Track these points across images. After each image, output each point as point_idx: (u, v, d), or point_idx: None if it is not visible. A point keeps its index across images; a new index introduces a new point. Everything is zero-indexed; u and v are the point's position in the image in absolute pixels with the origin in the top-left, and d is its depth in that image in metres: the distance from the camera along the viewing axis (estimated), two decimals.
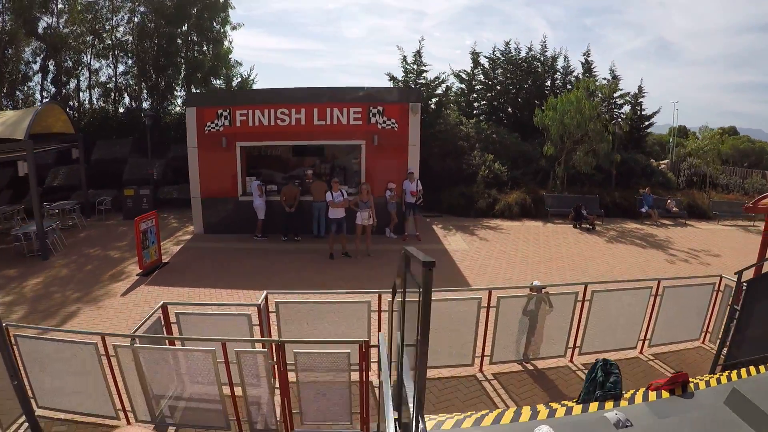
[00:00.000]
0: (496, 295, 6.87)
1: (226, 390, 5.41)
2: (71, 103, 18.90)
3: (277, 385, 5.59)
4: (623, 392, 4.89)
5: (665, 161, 21.21)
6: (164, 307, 6.35)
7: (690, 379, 4.59)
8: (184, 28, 18.76)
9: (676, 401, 4.29)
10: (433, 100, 17.92)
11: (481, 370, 6.96)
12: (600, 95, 16.40)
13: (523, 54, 20.32)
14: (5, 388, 5.19)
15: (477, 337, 6.80)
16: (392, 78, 18.17)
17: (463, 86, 20.46)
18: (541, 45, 20.46)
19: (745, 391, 3.88)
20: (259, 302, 6.40)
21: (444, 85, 18.39)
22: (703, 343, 7.76)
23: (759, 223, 17.48)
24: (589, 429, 3.84)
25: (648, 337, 7.41)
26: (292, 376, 5.41)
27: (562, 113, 15.67)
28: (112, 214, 16.22)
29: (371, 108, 13.30)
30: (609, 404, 4.42)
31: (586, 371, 6.64)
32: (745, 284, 6.59)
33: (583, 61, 20.32)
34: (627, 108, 20.31)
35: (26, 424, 5.46)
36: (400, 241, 13.33)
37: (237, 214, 13.87)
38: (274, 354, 5.38)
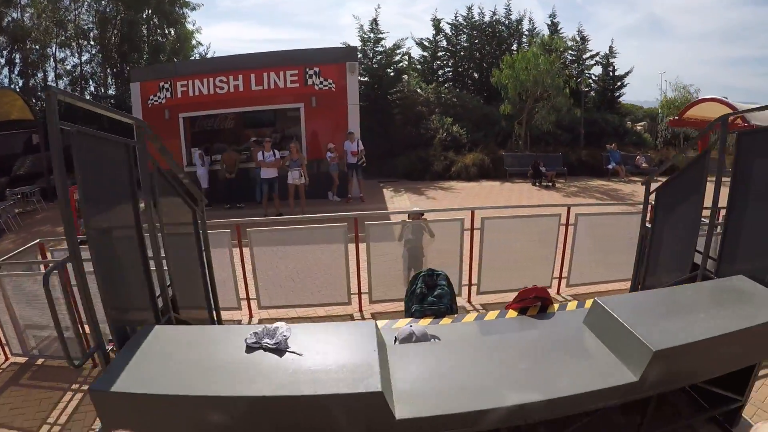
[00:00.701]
0: (365, 222, 6.42)
1: None
2: (40, 94, 19.34)
3: None
4: (455, 308, 4.34)
5: (642, 123, 20.36)
6: (41, 245, 6.10)
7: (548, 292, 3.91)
8: (146, 13, 19.04)
9: (524, 321, 3.66)
10: (392, 67, 17.64)
11: (360, 310, 6.48)
12: (560, 50, 15.81)
13: (487, 18, 19.94)
14: None
15: (349, 275, 6.33)
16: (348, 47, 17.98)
17: (426, 54, 20.17)
18: (506, 8, 20.06)
19: (607, 305, 2.75)
20: None
21: (404, 54, 18.15)
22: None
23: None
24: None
25: (564, 275, 6.66)
26: None
27: (519, 70, 15.21)
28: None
29: (307, 69, 13.19)
30: (425, 321, 3.73)
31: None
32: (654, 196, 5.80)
33: (549, 23, 19.81)
34: (598, 69, 19.68)
35: None
36: (344, 203, 13.11)
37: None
38: None
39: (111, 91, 19.72)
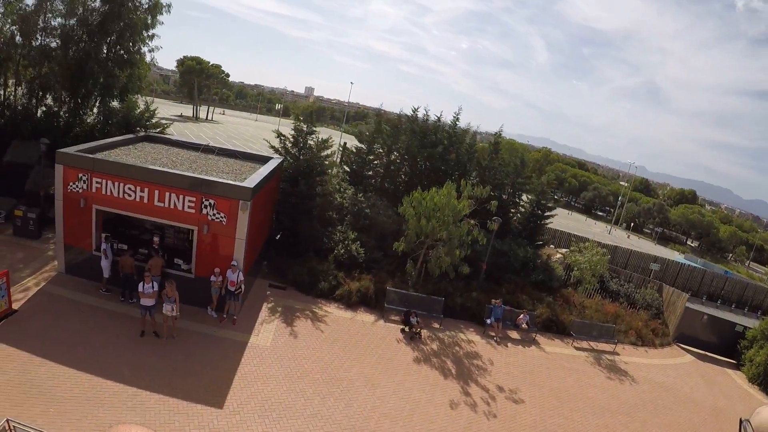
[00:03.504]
0: None
1: None
2: None
3: None
4: None
5: (563, 250, 21.32)
6: (7, 422, 8.73)
7: None
8: (106, 42, 20.24)
9: None
10: (318, 164, 18.85)
11: None
12: (470, 200, 16.75)
13: (431, 120, 20.46)
14: None
15: None
16: (279, 135, 19.16)
17: (363, 146, 21.08)
18: (454, 116, 20.50)
19: None
20: None
21: (335, 151, 19.21)
22: None
23: (624, 347, 18.25)
24: None
25: None
26: None
27: (425, 211, 16.51)
28: (6, 225, 19.10)
29: (204, 199, 15.02)
30: None
31: None
32: None
33: (492, 141, 20.29)
34: (531, 196, 20.44)
35: None
36: (217, 321, 15.55)
37: (91, 264, 16.38)
38: None
39: (64, 109, 21.43)
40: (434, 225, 16.26)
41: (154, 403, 11.89)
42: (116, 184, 15.44)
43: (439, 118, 20.40)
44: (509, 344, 17.21)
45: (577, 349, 17.66)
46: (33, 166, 20.23)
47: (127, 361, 13.14)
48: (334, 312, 17.19)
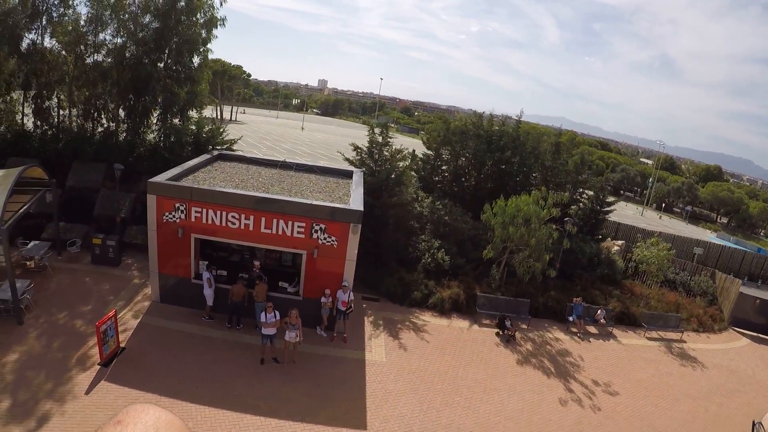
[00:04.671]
0: None
1: None
2: (51, 120, 20.24)
3: None
4: None
5: (620, 242, 22.31)
6: None
7: None
8: (163, 59, 19.44)
9: None
10: (393, 176, 18.89)
11: None
12: (551, 208, 17.19)
13: (496, 128, 20.80)
14: None
15: None
16: (356, 148, 19.06)
17: (431, 152, 21.25)
18: (516, 120, 20.80)
19: None
20: None
21: (407, 158, 19.31)
22: None
23: (689, 334, 19.33)
24: None
25: None
26: None
27: (510, 218, 16.92)
28: (82, 255, 18.43)
29: (314, 224, 14.90)
30: None
31: None
32: None
33: (554, 143, 20.83)
34: (590, 192, 21.16)
35: None
36: (328, 340, 15.67)
37: (189, 292, 16.07)
38: None
39: (123, 126, 20.61)
40: (523, 232, 16.73)
41: None
42: (218, 213, 15.10)
43: (503, 122, 20.72)
44: (591, 339, 18.00)
45: (649, 339, 18.60)
46: (98, 189, 19.43)
47: (258, 393, 13.09)
48: (430, 320, 17.51)
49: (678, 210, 67.86)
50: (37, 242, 17.88)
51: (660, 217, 62.69)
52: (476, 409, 13.91)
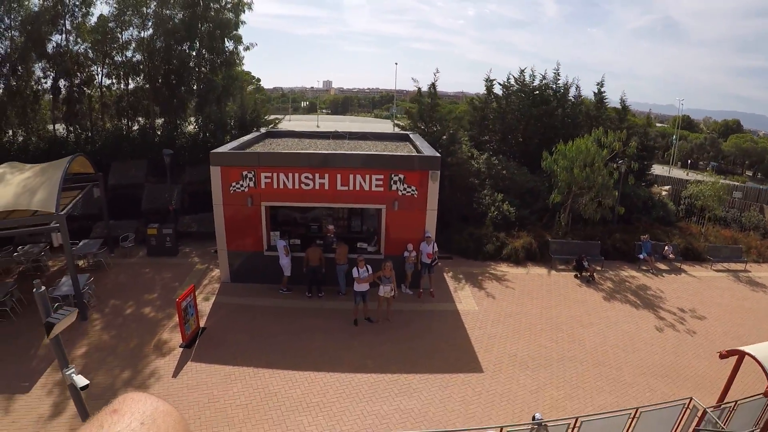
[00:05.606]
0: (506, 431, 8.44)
1: None
2: (84, 122, 19.23)
3: None
4: None
5: (666, 188, 22.23)
6: None
7: None
8: (195, 49, 18.75)
9: None
10: (444, 136, 18.47)
11: None
12: (609, 147, 16.93)
13: (537, 82, 20.67)
14: None
15: None
16: (407, 111, 18.64)
17: (476, 114, 20.93)
18: (554, 73, 20.74)
19: None
20: None
21: (456, 119, 18.95)
22: None
23: (751, 265, 19.06)
24: None
25: None
26: None
27: (572, 161, 16.52)
28: (135, 249, 17.26)
29: (393, 175, 14.16)
30: None
31: None
32: None
33: (596, 91, 20.76)
34: (635, 139, 21.01)
35: None
36: (416, 297, 14.80)
37: (262, 266, 15.05)
38: None
39: (159, 121, 19.70)
40: (588, 173, 16.32)
41: (419, 383, 11.10)
42: (290, 175, 14.24)
43: (543, 76, 20.60)
44: (663, 274, 17.54)
45: (716, 271, 18.27)
46: (142, 185, 18.37)
47: (361, 353, 12.13)
48: (508, 270, 16.77)
49: (703, 165, 66.22)
50: (87, 240, 16.68)
51: (687, 174, 62.34)
52: (581, 342, 13.25)
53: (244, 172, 14.29)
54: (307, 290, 14.75)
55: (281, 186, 14.31)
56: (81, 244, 16.33)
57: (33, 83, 18.75)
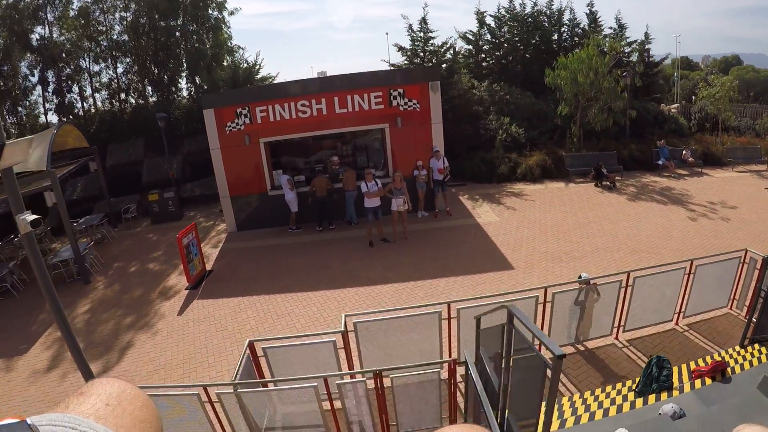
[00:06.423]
0: (551, 291, 7.25)
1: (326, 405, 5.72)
2: (76, 111, 18.59)
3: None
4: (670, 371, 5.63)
5: (675, 105, 21.17)
6: (251, 344, 6.63)
7: (726, 367, 5.22)
8: (180, 20, 18.14)
9: (717, 388, 4.91)
10: (443, 66, 17.63)
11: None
12: (611, 53, 16.04)
13: (528, 9, 19.86)
14: None
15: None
16: (400, 48, 17.89)
17: (470, 47, 20.09)
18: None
19: None
20: (341, 327, 6.75)
21: (452, 50, 18.15)
22: (730, 308, 8.22)
23: None
24: (652, 426, 4.33)
25: (682, 310, 7.93)
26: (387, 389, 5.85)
27: (575, 72, 15.54)
28: (139, 220, 16.32)
29: (392, 91, 13.23)
30: (664, 395, 5.05)
31: (630, 347, 7.55)
32: None
33: (588, 12, 19.91)
34: (635, 56, 20.09)
35: None
36: (432, 218, 13.66)
37: (268, 208, 14.05)
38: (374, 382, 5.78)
39: (152, 100, 19.01)
40: (592, 78, 15.29)
41: (446, 286, 9.92)
42: (285, 105, 13.32)
43: (535, 2, 19.74)
44: (685, 177, 16.38)
45: (738, 172, 17.03)
46: (140, 162, 17.53)
47: (381, 267, 11.06)
48: (525, 187, 15.54)
49: None
50: (89, 216, 15.76)
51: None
52: (613, 235, 12.11)
53: (238, 110, 13.41)
54: (317, 225, 13.65)
55: (278, 118, 13.39)
56: (82, 220, 15.39)
57: (21, 80, 18.17)
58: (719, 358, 6.49)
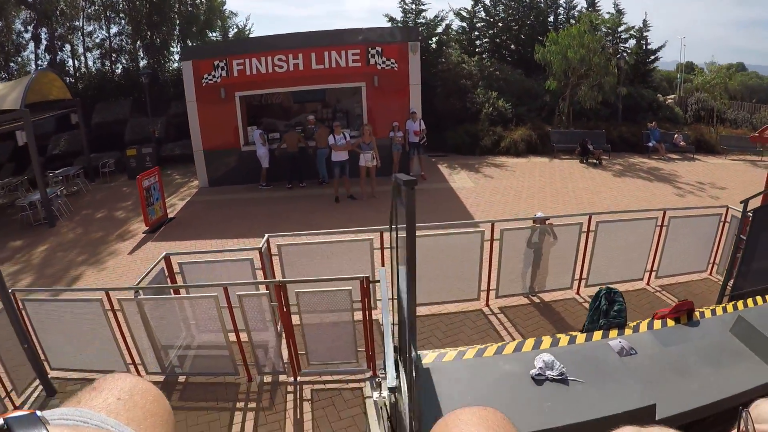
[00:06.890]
0: (499, 227, 6.60)
1: (232, 336, 5.35)
2: (67, 69, 18.39)
3: (281, 326, 5.51)
4: (628, 321, 4.79)
5: (672, 96, 20.41)
6: (167, 258, 6.20)
7: (695, 308, 4.36)
8: None
9: (680, 330, 4.17)
10: (434, 39, 17.16)
11: (487, 304, 6.89)
12: (603, 29, 15.45)
13: None
14: (18, 354, 5.18)
15: (482, 271, 6.67)
16: (391, 19, 17.46)
17: (464, 24, 19.58)
18: None
19: (750, 319, 3.80)
20: (261, 246, 6.23)
21: (444, 24, 17.70)
22: (710, 274, 7.49)
23: (766, 157, 17.02)
24: (592, 356, 3.68)
25: (655, 268, 7.19)
26: (296, 319, 5.32)
27: (565, 47, 14.93)
28: (117, 175, 15.99)
29: (370, 49, 12.76)
30: (613, 333, 4.22)
31: None
32: (751, 213, 6.26)
33: None
34: (632, 42, 19.41)
35: (41, 387, 5.48)
36: None
37: (241, 164, 13.63)
38: (276, 295, 5.23)
39: (143, 63, 18.75)
40: (582, 53, 14.66)
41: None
42: (262, 59, 12.89)
43: None
44: (676, 161, 15.60)
45: (732, 160, 16.24)
46: (126, 121, 17.21)
47: (345, 218, 10.51)
48: (507, 160, 14.84)
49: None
50: (66, 168, 15.42)
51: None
52: (592, 204, 11.44)
53: (216, 62, 13.02)
54: (287, 182, 13.14)
55: (254, 71, 12.99)
56: (59, 171, 15.05)
57: (14, 35, 18.01)
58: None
